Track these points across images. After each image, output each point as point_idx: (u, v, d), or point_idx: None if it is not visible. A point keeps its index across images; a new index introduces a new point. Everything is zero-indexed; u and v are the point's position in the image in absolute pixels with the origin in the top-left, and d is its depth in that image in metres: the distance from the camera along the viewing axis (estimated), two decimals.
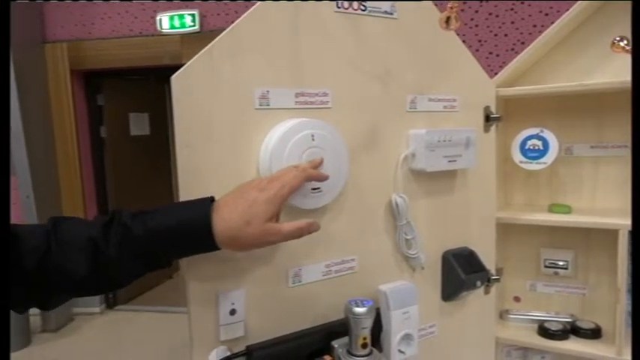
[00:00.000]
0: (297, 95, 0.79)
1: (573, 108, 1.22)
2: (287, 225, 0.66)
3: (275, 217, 0.66)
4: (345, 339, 0.78)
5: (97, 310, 3.43)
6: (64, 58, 3.23)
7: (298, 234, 0.68)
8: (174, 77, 0.69)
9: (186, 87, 0.70)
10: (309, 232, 0.69)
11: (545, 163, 1.14)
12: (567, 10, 1.12)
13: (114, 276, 0.62)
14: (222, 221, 0.62)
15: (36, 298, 0.61)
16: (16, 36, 2.91)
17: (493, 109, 1.09)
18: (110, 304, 3.52)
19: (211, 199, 0.65)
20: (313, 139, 0.76)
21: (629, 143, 1.17)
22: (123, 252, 0.60)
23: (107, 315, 3.45)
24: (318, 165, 0.75)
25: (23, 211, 3.03)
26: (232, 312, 0.75)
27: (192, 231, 0.62)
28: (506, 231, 1.27)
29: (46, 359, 2.84)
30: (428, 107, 0.96)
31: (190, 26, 3.04)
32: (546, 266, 1.26)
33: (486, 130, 1.08)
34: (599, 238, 1.19)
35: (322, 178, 0.74)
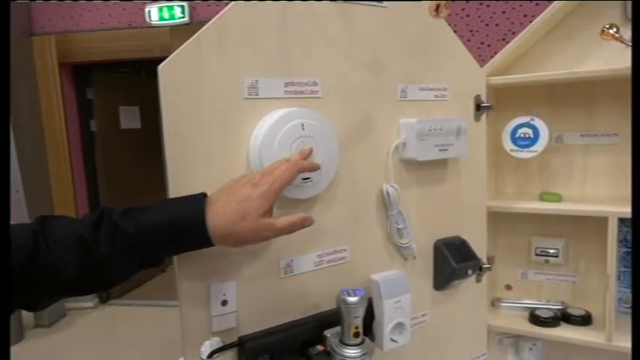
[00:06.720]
0: (286, 85, 0.78)
1: (563, 96, 1.22)
2: (281, 220, 0.66)
3: (269, 212, 0.66)
4: (338, 328, 0.78)
5: (90, 304, 3.42)
6: (52, 50, 3.19)
7: (292, 229, 0.68)
8: (161, 66, 0.68)
9: (173, 76, 0.69)
10: (303, 227, 0.69)
11: (535, 151, 1.14)
12: None
13: (105, 275, 0.61)
14: (216, 217, 0.61)
15: (22, 298, 0.59)
16: None
17: (484, 97, 1.09)
18: (103, 299, 3.51)
19: (204, 195, 0.64)
20: (303, 129, 0.76)
21: (619, 131, 1.17)
22: (114, 250, 0.59)
23: (100, 309, 3.44)
24: (307, 155, 0.74)
25: (13, 206, 3.00)
26: (224, 303, 0.75)
27: (186, 227, 0.61)
28: (498, 220, 1.27)
29: (40, 354, 2.83)
30: (418, 96, 0.95)
31: (180, 18, 3.01)
32: (537, 254, 1.27)
33: (477, 118, 1.08)
34: (590, 225, 1.20)
35: (314, 168, 0.74)
